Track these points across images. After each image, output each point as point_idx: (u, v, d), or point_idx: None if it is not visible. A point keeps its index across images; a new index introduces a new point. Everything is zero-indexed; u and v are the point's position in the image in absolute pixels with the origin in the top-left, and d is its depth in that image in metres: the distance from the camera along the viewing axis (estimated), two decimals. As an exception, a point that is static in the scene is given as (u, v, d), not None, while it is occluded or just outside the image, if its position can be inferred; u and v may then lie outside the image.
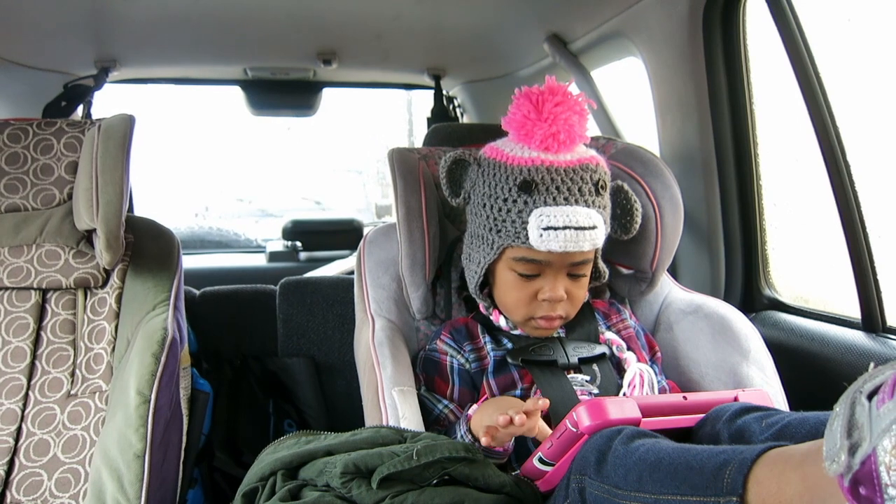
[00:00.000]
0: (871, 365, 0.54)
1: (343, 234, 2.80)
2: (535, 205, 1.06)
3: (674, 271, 1.66)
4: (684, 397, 0.94)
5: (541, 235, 1.05)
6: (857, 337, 1.36)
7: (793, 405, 1.18)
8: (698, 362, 1.29)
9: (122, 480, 1.02)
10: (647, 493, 0.67)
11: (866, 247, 1.35)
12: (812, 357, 1.41)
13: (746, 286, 1.66)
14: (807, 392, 1.30)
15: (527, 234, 1.07)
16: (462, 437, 1.04)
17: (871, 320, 1.35)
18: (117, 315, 1.24)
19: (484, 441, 0.97)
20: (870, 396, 0.50)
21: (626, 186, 1.20)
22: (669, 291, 1.42)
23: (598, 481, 0.74)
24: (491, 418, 0.96)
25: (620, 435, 0.77)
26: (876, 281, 1.35)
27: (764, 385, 1.19)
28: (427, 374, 1.19)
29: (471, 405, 1.10)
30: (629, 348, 1.21)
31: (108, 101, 2.26)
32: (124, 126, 1.21)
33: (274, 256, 2.75)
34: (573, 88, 1.11)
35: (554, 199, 1.06)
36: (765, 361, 1.23)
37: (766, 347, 1.25)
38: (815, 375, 1.39)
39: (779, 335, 1.51)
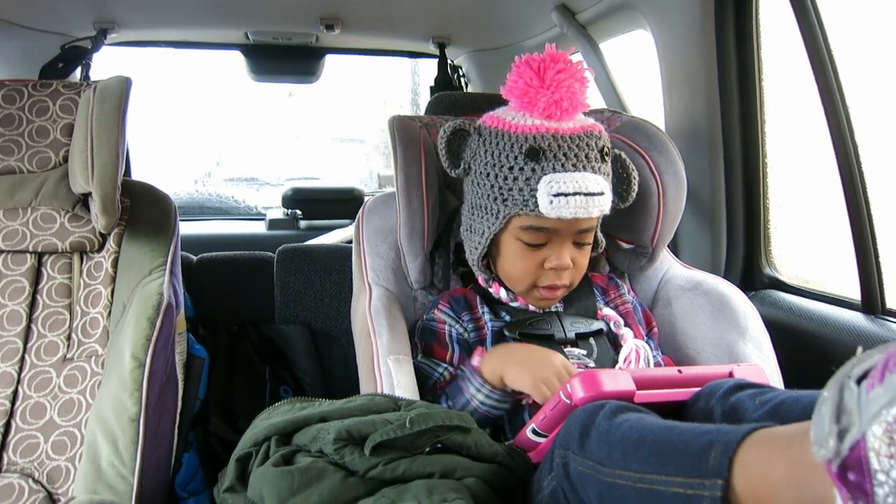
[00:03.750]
0: (860, 349, 0.53)
1: (343, 203, 2.78)
2: (543, 172, 1.05)
3: (674, 247, 1.65)
4: (679, 371, 0.93)
5: (551, 202, 1.04)
6: (856, 318, 1.36)
7: (788, 384, 1.17)
8: (695, 339, 1.28)
9: (117, 443, 1.02)
10: (631, 472, 0.67)
11: (870, 229, 1.34)
12: (810, 337, 1.41)
13: (747, 264, 1.66)
14: (803, 372, 1.30)
15: (536, 202, 1.05)
16: (477, 389, 1.04)
17: (871, 302, 1.35)
18: (113, 279, 1.24)
19: (539, 398, 0.98)
20: (859, 381, 0.49)
21: (623, 155, 1.18)
22: (669, 267, 1.41)
23: (582, 456, 0.74)
24: (544, 379, 0.99)
25: (604, 409, 0.76)
26: (878, 263, 1.34)
27: (760, 363, 1.19)
28: (425, 342, 1.18)
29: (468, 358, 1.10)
30: (626, 324, 1.21)
31: (107, 64, 2.24)
32: (120, 88, 1.20)
33: (273, 224, 2.74)
34: (574, 56, 1.10)
35: (563, 165, 1.05)
36: (762, 340, 1.23)
37: (764, 326, 1.25)
38: (812, 355, 1.39)
39: (777, 314, 1.50)
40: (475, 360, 1.08)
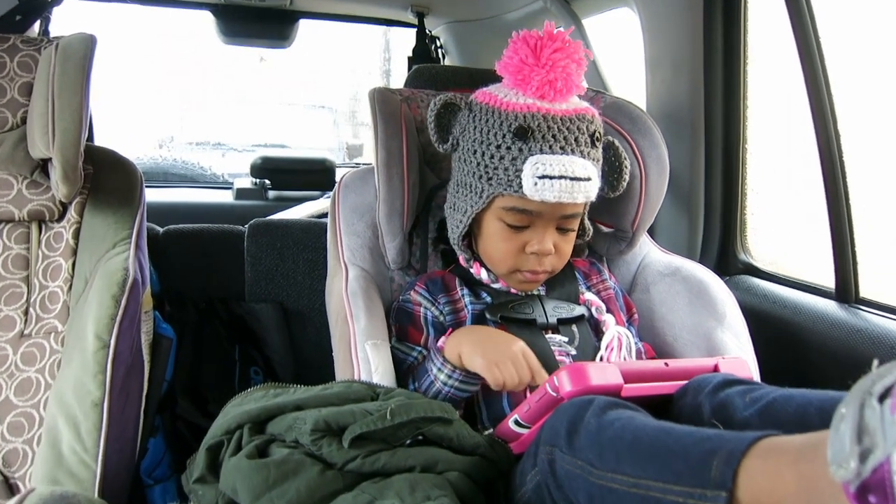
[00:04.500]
0: (876, 361, 0.51)
1: (314, 174, 2.71)
2: (530, 152, 1.02)
3: (651, 229, 1.64)
4: (666, 364, 0.92)
5: (535, 184, 1.01)
6: (830, 306, 1.37)
7: (763, 371, 1.18)
8: (673, 325, 1.28)
9: (78, 429, 0.97)
10: (626, 476, 0.64)
11: (848, 218, 1.34)
12: (783, 323, 1.42)
13: (722, 249, 1.66)
14: (776, 357, 1.31)
15: (520, 183, 1.02)
16: (439, 369, 1.01)
17: (845, 291, 1.36)
18: (74, 251, 1.17)
19: (494, 384, 0.96)
20: (881, 398, 0.47)
21: (616, 143, 1.16)
22: (648, 252, 1.40)
23: (570, 455, 0.72)
24: (497, 361, 0.96)
25: (592, 405, 0.74)
26: (853, 252, 1.35)
27: (738, 351, 1.19)
28: (400, 325, 1.15)
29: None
30: (608, 310, 1.19)
31: (67, 20, 2.12)
32: (84, 46, 1.12)
33: (241, 194, 2.65)
34: (573, 36, 1.06)
35: (550, 147, 1.02)
36: (739, 328, 1.23)
37: (741, 314, 1.24)
38: (785, 341, 1.40)
39: (751, 300, 1.51)
40: (441, 340, 1.05)
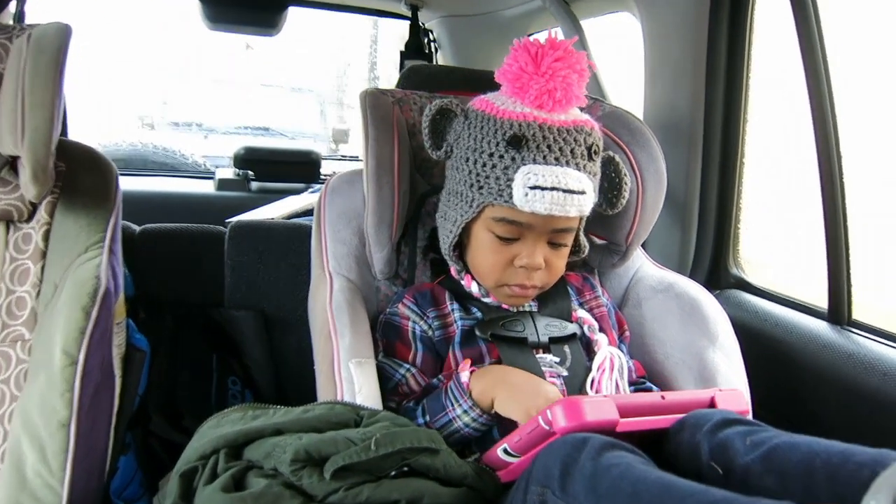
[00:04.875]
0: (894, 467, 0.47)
1: (299, 166, 2.64)
2: (523, 161, 0.98)
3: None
4: (662, 397, 0.90)
5: (526, 195, 0.97)
6: (822, 327, 1.35)
7: (753, 389, 1.15)
8: (664, 342, 1.25)
9: (44, 451, 0.92)
10: None
11: (844, 239, 1.33)
12: (774, 342, 1.40)
13: (714, 263, 1.64)
14: (767, 375, 1.29)
15: (511, 193, 0.99)
16: (465, 411, 0.97)
17: (838, 312, 1.34)
18: (44, 255, 1.11)
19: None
20: None
21: (617, 158, 1.12)
22: (641, 266, 1.37)
23: (564, 500, 0.68)
24: (537, 408, 0.88)
25: (588, 446, 0.71)
26: (848, 273, 1.34)
27: (729, 373, 1.17)
28: (387, 339, 1.11)
29: (455, 371, 1.02)
30: (601, 329, 1.16)
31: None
32: (59, 38, 1.05)
33: (223, 184, 2.58)
34: (576, 46, 1.02)
35: (544, 157, 0.98)
36: (731, 348, 1.21)
37: (733, 333, 1.22)
38: (776, 360, 1.38)
39: (742, 315, 1.49)
40: (464, 376, 1.00)
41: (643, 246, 1.41)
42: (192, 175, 2.92)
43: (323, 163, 2.69)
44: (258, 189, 2.58)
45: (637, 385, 1.18)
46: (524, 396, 0.94)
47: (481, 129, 1.02)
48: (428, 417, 1.00)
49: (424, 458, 0.83)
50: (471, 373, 1.00)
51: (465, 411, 0.97)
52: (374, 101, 1.19)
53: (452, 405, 0.98)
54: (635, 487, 0.63)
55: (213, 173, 2.73)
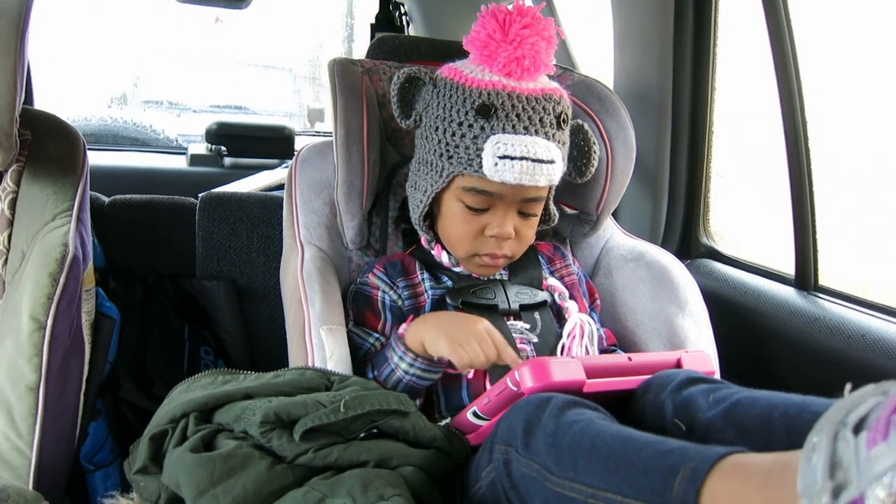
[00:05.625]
0: (848, 387, 0.49)
1: (272, 142, 2.61)
2: (492, 131, 0.98)
3: (615, 211, 1.63)
4: (629, 358, 0.91)
5: (496, 164, 0.97)
6: (789, 293, 1.38)
7: (722, 356, 1.18)
8: (635, 310, 1.27)
9: (12, 414, 0.92)
10: (583, 485, 0.63)
11: (810, 205, 1.35)
12: (743, 309, 1.42)
13: (685, 232, 1.66)
14: (736, 343, 1.32)
15: (480, 163, 0.99)
16: (400, 357, 0.99)
17: (805, 278, 1.37)
18: (11, 223, 1.10)
19: (460, 365, 0.94)
20: (855, 430, 0.45)
21: (586, 126, 1.12)
22: (612, 235, 1.39)
23: (527, 458, 0.70)
24: (462, 341, 0.93)
25: (550, 404, 0.72)
26: (815, 239, 1.36)
27: (698, 338, 1.19)
28: (357, 308, 1.12)
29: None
30: (571, 296, 1.17)
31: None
32: (19, 4, 1.03)
33: (195, 160, 2.55)
34: (544, 13, 1.02)
35: (513, 126, 0.98)
36: (700, 315, 1.23)
37: (703, 301, 1.24)
38: (745, 328, 1.41)
39: (712, 284, 1.51)
40: (402, 327, 1.02)
41: (615, 216, 1.43)
42: (164, 151, 2.88)
43: (297, 139, 2.67)
44: (231, 165, 2.56)
45: (608, 353, 1.19)
46: (448, 331, 0.96)
47: (450, 98, 1.02)
48: (375, 372, 1.02)
49: (393, 421, 0.84)
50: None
51: (401, 357, 0.99)
52: (343, 70, 1.18)
53: (391, 355, 1.00)
54: (594, 442, 0.64)
55: (186, 149, 2.70)
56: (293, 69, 5.67)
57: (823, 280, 1.36)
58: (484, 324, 0.97)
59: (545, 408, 0.72)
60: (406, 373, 0.99)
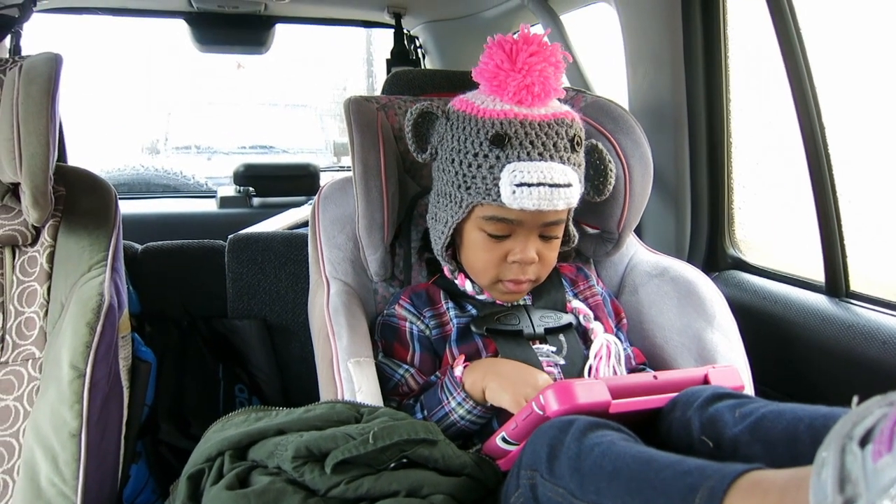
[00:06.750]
0: (855, 399, 0.49)
1: (298, 180, 2.67)
2: (507, 160, 1.00)
3: (638, 228, 1.63)
4: (654, 377, 0.90)
5: (513, 192, 0.99)
6: (820, 301, 1.36)
7: (753, 368, 1.16)
8: (662, 327, 1.26)
9: (56, 461, 0.95)
10: None
11: (835, 210, 1.33)
12: (774, 319, 1.41)
13: (710, 245, 1.64)
14: (767, 354, 1.30)
15: (498, 191, 1.00)
16: (459, 403, 0.99)
17: (835, 285, 1.35)
18: (49, 276, 1.15)
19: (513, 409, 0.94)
20: (862, 443, 0.45)
21: (600, 146, 1.13)
22: (635, 252, 1.38)
23: (551, 482, 0.70)
24: (526, 396, 0.94)
25: (573, 428, 0.72)
26: (842, 245, 1.34)
27: (728, 352, 1.17)
28: (386, 340, 1.13)
29: (450, 366, 1.05)
30: (596, 317, 1.17)
31: (42, 30, 2.08)
32: (49, 68, 1.09)
33: (225, 202, 2.62)
34: (549, 39, 1.04)
35: (528, 153, 1.00)
36: (729, 327, 1.21)
37: (730, 313, 1.23)
38: (776, 337, 1.39)
39: (741, 295, 1.50)
40: (457, 370, 1.02)
41: (639, 234, 1.43)
42: (194, 195, 2.96)
43: (322, 174, 2.73)
44: (260, 204, 2.62)
45: (637, 372, 1.19)
46: (513, 385, 0.96)
47: (464, 130, 1.04)
48: (426, 412, 1.02)
49: (422, 450, 0.85)
50: (464, 367, 1.02)
51: (459, 403, 1.00)
52: (358, 108, 1.22)
53: (447, 398, 1.00)
54: (615, 464, 0.64)
55: (216, 192, 2.77)
56: (317, 107, 5.80)
57: (856, 285, 1.34)
58: (544, 377, 0.98)
59: (568, 431, 0.72)
60: (462, 418, 1.00)
